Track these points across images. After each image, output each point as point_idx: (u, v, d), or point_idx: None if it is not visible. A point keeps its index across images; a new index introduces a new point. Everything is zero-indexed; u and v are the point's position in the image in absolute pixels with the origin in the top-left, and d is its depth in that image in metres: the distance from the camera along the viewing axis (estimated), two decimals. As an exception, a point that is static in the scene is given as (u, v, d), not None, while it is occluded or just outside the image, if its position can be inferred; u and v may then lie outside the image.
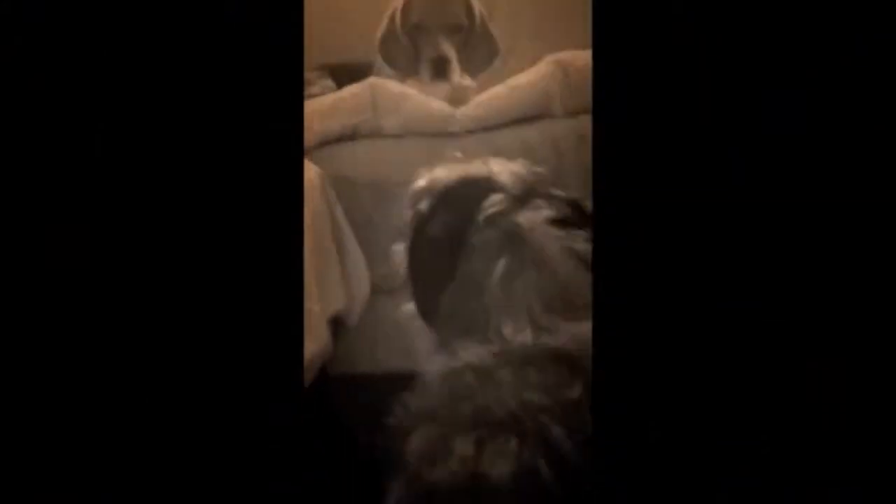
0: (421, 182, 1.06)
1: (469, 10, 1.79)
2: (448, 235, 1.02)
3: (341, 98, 1.58)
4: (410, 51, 1.76)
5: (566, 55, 1.59)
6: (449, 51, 1.73)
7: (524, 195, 1.00)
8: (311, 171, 1.42)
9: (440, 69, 1.72)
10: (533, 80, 1.58)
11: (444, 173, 1.06)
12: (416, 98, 1.57)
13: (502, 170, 1.03)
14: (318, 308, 1.36)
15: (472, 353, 0.90)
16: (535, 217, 0.99)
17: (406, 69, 1.76)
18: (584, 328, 0.78)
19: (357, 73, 1.80)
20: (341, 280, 1.44)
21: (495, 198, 1.00)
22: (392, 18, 1.79)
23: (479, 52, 1.80)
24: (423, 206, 1.05)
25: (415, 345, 1.04)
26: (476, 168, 1.05)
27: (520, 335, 0.92)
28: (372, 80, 1.62)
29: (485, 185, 1.02)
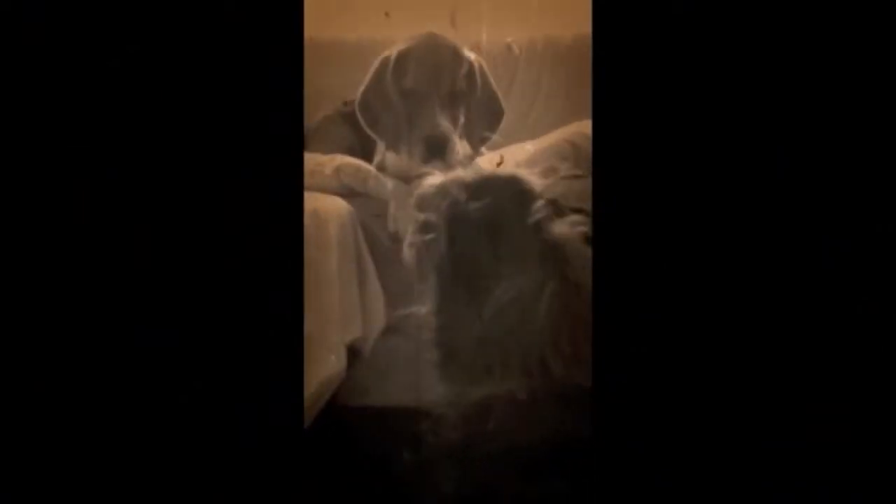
0: (435, 179, 0.95)
1: (470, 71, 1.51)
2: (487, 231, 0.92)
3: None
4: (402, 119, 1.49)
5: (576, 126, 1.56)
6: (447, 127, 1.45)
7: (558, 206, 0.92)
8: (342, 206, 1.49)
9: (436, 149, 1.44)
10: (544, 147, 1.58)
11: (467, 173, 0.96)
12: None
13: (531, 176, 0.95)
14: (338, 333, 1.40)
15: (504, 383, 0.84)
16: (571, 232, 0.90)
17: (392, 140, 1.49)
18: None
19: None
20: (360, 310, 1.47)
21: (538, 204, 0.91)
22: (379, 73, 1.47)
23: (482, 117, 1.53)
24: (461, 195, 0.93)
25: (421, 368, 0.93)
26: (500, 170, 0.97)
27: (561, 368, 0.84)
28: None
29: (516, 186, 0.93)
